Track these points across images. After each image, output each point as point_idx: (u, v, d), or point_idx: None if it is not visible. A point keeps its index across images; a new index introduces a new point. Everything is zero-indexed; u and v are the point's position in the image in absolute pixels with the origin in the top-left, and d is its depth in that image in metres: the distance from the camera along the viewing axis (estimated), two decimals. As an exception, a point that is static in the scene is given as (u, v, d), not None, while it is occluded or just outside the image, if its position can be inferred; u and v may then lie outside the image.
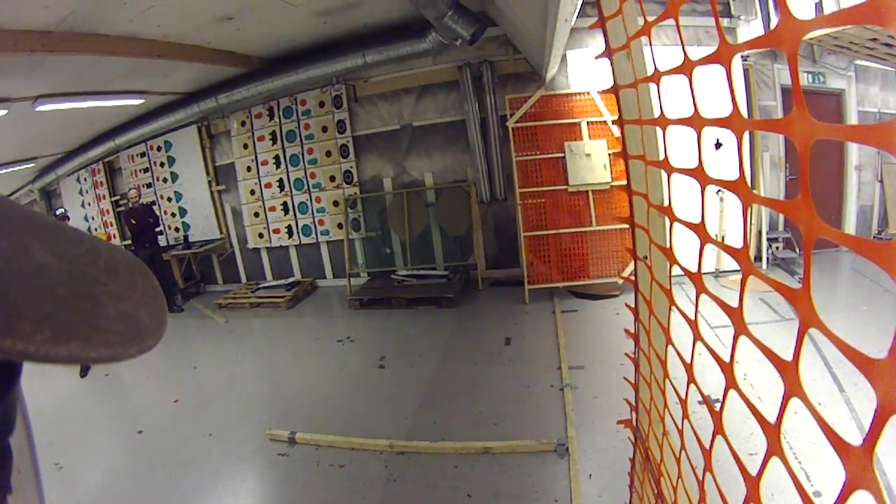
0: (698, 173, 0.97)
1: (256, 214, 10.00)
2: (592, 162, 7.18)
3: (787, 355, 0.70)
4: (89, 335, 0.33)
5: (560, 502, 3.41)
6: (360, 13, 6.73)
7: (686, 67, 0.93)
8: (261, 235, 10.10)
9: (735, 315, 0.85)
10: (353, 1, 6.24)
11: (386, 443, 4.30)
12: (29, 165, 11.15)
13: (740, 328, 0.84)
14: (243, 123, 9.66)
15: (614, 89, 1.41)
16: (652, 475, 1.67)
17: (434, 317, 7.50)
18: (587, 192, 7.29)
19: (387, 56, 7.57)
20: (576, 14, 4.53)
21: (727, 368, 0.93)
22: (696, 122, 0.94)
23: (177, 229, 10.89)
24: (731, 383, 0.92)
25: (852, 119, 7.32)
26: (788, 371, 0.69)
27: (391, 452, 4.22)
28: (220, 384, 6.21)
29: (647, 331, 1.50)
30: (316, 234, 9.67)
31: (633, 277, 1.61)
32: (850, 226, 7.68)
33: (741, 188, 0.80)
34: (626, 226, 1.59)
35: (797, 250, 7.43)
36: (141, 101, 8.40)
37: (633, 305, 1.65)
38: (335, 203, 9.33)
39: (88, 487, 4.22)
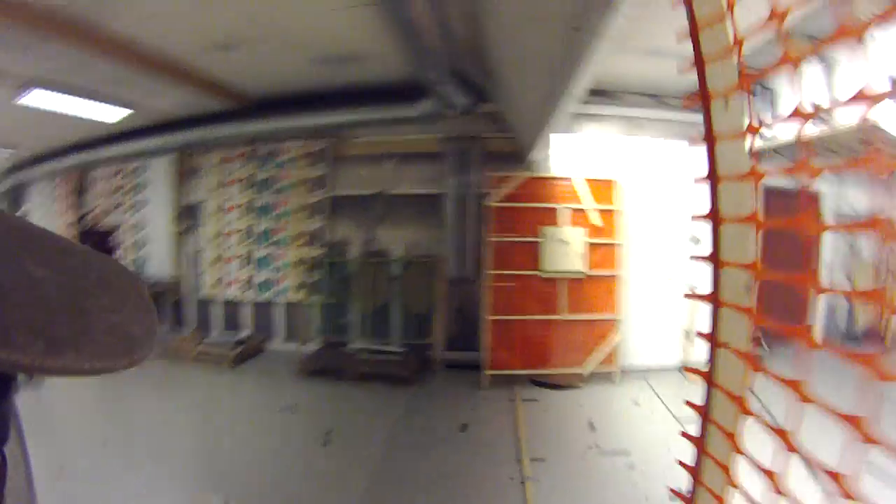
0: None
1: (216, 261, 9.55)
2: (568, 249, 7.11)
3: None
4: (82, 347, 0.34)
5: None
6: (359, 68, 6.65)
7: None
8: (216, 284, 9.60)
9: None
10: (355, 55, 6.17)
11: (327, 530, 3.88)
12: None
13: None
14: (220, 162, 9.39)
15: (708, 138, 1.24)
16: None
17: (386, 395, 7.12)
18: (560, 279, 7.18)
19: (375, 117, 7.42)
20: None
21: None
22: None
23: (134, 261, 10.25)
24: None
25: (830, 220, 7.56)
26: None
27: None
28: (152, 435, 5.68)
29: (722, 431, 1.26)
30: (274, 290, 9.24)
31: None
32: (818, 319, 7.80)
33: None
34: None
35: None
36: (125, 114, 7.97)
37: (695, 402, 1.41)
38: (299, 262, 9.00)
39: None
